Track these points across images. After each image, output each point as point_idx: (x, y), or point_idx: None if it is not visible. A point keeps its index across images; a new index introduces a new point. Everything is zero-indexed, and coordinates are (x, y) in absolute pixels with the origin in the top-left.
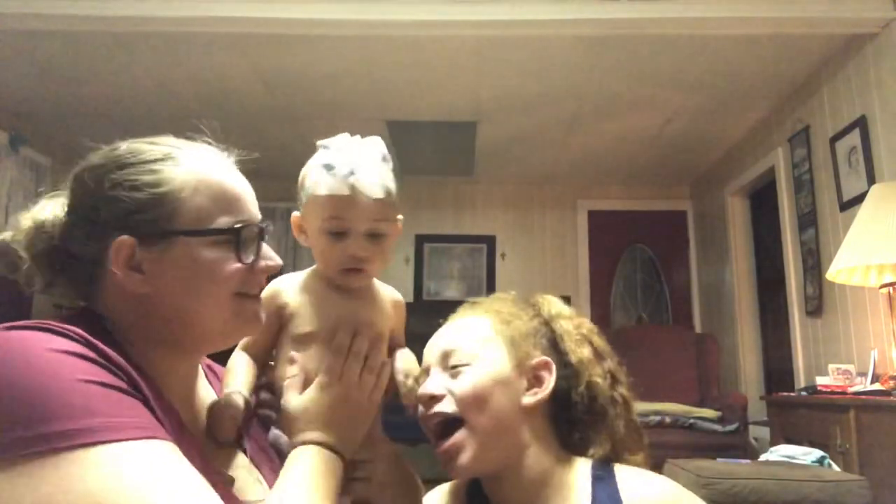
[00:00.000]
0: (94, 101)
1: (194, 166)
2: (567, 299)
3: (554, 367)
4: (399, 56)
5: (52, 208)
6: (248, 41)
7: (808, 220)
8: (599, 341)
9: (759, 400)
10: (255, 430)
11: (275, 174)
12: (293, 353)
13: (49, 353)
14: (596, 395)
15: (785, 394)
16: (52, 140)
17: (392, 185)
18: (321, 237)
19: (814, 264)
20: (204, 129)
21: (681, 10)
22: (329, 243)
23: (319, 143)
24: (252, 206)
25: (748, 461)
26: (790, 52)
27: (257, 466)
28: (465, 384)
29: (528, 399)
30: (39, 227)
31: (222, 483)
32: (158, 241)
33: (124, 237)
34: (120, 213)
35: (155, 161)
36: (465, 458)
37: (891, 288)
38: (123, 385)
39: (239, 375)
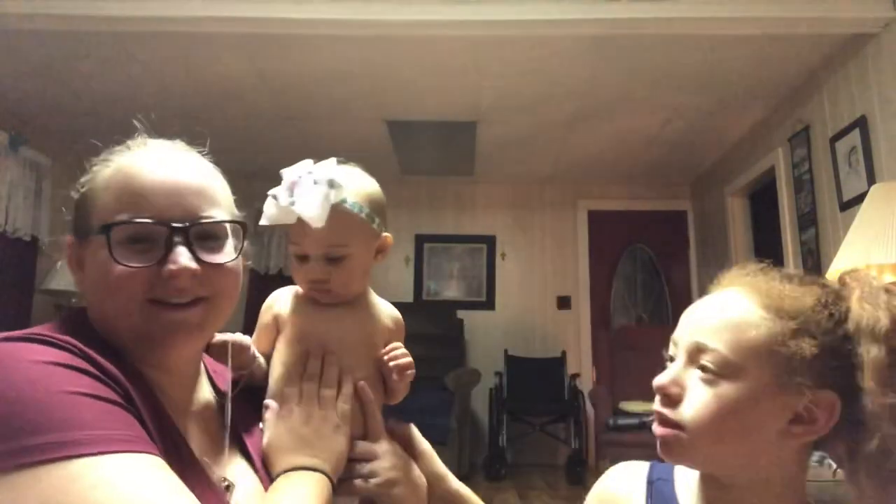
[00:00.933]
0: (94, 101)
1: (120, 162)
2: (567, 299)
3: (839, 407)
4: (399, 56)
5: None
6: (248, 41)
7: (808, 220)
8: None
9: None
10: (261, 440)
11: (275, 174)
12: (268, 401)
13: (36, 364)
14: (889, 456)
15: None
16: (52, 140)
17: (349, 212)
18: (291, 259)
19: (814, 264)
20: (144, 122)
21: (681, 10)
22: (295, 265)
23: (281, 171)
24: (172, 203)
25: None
26: (790, 52)
27: (260, 475)
28: (708, 405)
29: (787, 432)
30: None
31: (217, 491)
32: (82, 240)
33: (68, 236)
34: (73, 215)
35: (98, 163)
36: (675, 458)
37: None
38: (114, 396)
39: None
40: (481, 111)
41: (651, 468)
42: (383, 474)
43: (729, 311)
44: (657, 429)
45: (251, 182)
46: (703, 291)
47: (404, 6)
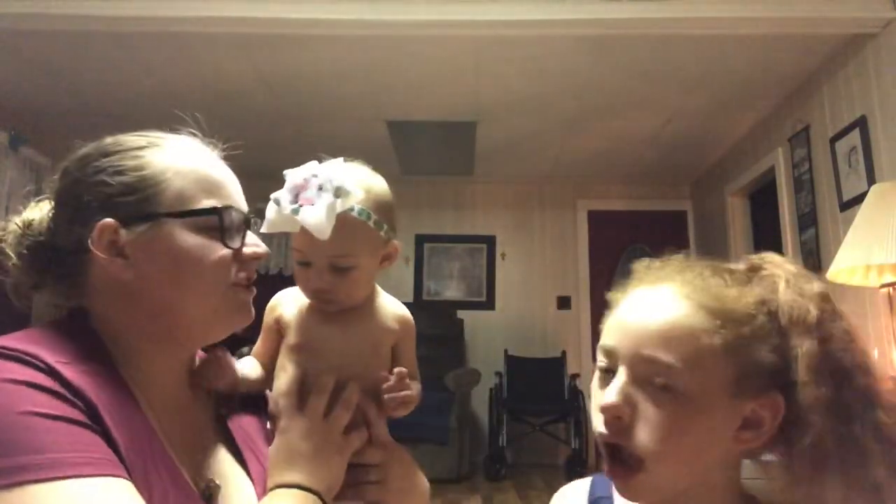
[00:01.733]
0: (94, 101)
1: (178, 152)
2: (567, 299)
3: (783, 406)
4: (399, 56)
5: (39, 209)
6: (248, 41)
7: (808, 220)
8: (865, 366)
9: None
10: (254, 441)
11: (274, 174)
12: (272, 409)
13: None
14: (827, 453)
15: None
16: (52, 140)
17: (356, 220)
18: (294, 263)
19: (814, 264)
20: (190, 121)
21: (681, 10)
22: (298, 271)
23: (285, 172)
24: (237, 195)
25: (749, 460)
26: (790, 52)
27: (252, 476)
28: (666, 428)
29: (737, 439)
30: (27, 227)
31: (195, 498)
32: (141, 223)
33: (107, 220)
34: (103, 197)
35: (139, 148)
36: (640, 498)
37: (891, 288)
38: (77, 415)
39: (244, 363)
40: (481, 111)
41: (592, 486)
42: (391, 481)
43: (675, 316)
44: (611, 468)
45: (251, 182)
46: None
47: (404, 6)
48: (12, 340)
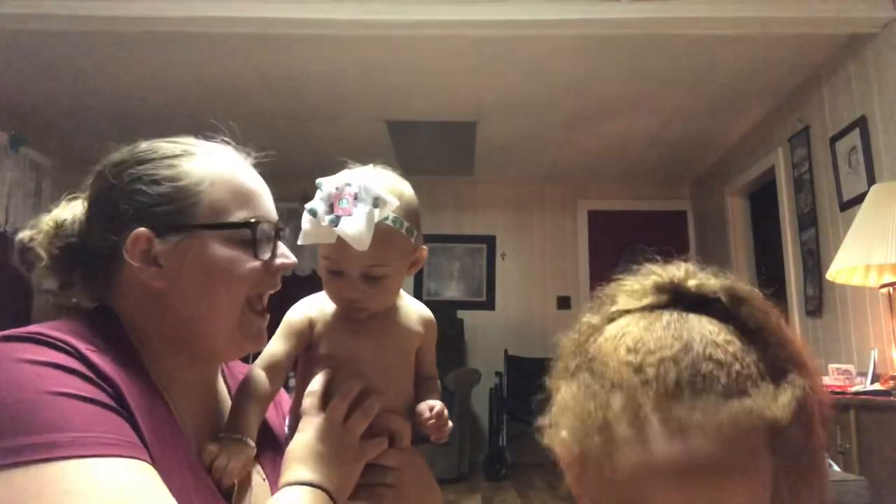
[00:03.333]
0: (94, 101)
1: (212, 162)
2: (567, 299)
3: None
4: (399, 56)
5: (71, 209)
6: (248, 41)
7: (808, 220)
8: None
9: None
10: (270, 441)
11: (275, 174)
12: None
13: (25, 364)
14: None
15: None
16: (52, 140)
17: (391, 229)
18: (322, 271)
19: (814, 264)
20: (223, 130)
21: (681, 10)
22: (327, 279)
23: (318, 181)
24: (269, 205)
25: None
26: (790, 52)
27: (267, 476)
28: None
29: None
30: (59, 227)
31: (215, 496)
32: (175, 233)
33: (141, 229)
34: (139, 206)
35: (174, 157)
36: None
37: (891, 288)
38: (105, 399)
39: (246, 411)
40: (481, 111)
41: None
42: (405, 486)
43: (739, 469)
44: None
45: None
46: None
47: (404, 6)
48: (44, 328)
